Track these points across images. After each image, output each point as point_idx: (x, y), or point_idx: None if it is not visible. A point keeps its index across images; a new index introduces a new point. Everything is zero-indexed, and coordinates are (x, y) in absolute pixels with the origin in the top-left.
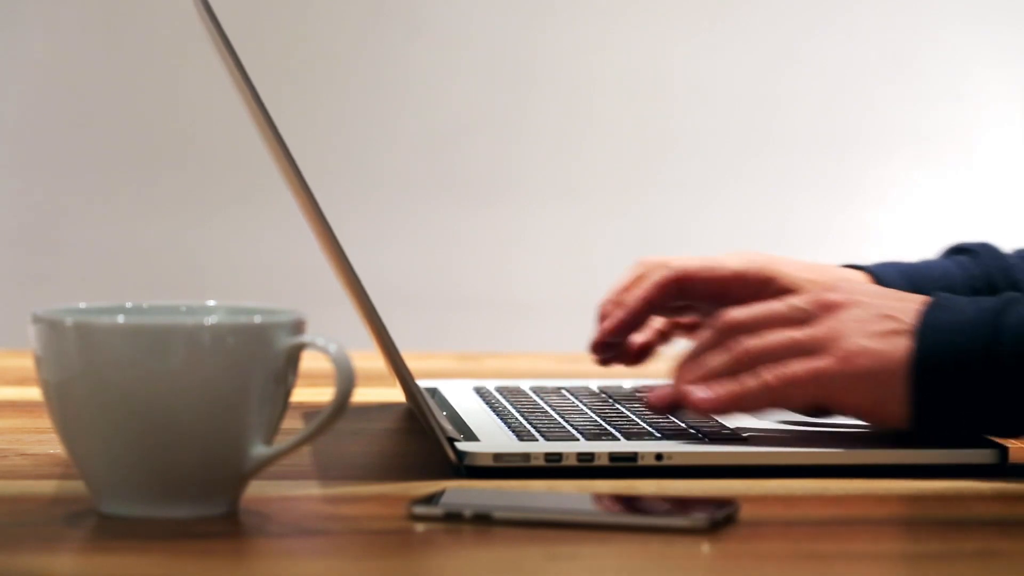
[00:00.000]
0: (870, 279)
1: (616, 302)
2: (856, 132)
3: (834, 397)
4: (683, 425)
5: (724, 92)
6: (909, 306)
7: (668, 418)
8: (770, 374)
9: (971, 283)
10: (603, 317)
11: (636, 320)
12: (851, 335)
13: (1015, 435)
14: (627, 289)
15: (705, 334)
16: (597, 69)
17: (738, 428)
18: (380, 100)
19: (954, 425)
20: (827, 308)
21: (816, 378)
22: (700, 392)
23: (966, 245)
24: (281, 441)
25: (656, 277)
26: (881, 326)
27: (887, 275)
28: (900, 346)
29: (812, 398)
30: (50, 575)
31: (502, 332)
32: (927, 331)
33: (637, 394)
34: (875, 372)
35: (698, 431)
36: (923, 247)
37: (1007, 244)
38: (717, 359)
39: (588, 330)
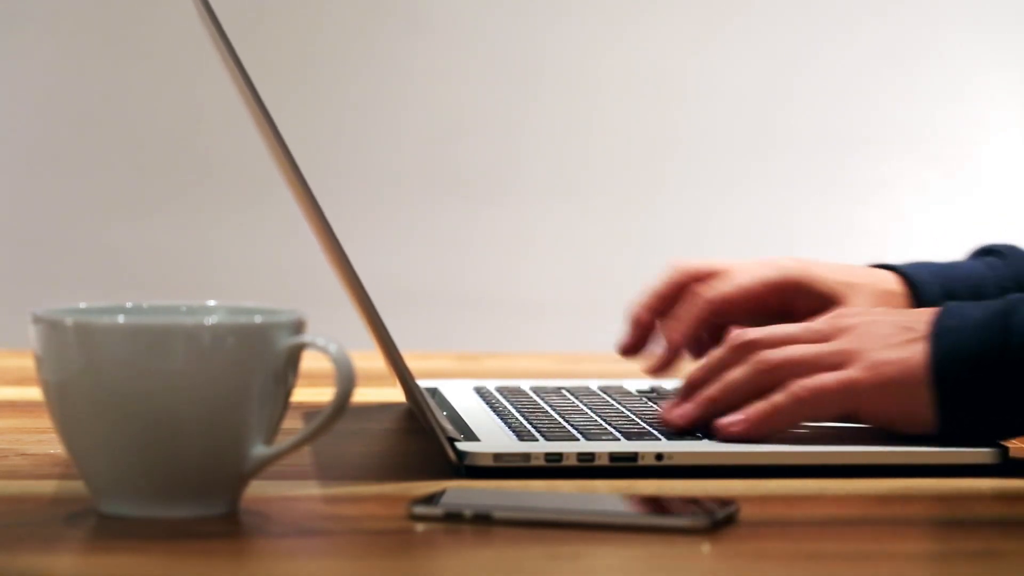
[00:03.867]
0: (901, 279)
1: (644, 322)
2: (861, 133)
3: (863, 408)
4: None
5: (729, 92)
6: (922, 316)
7: None
8: (799, 387)
9: (1001, 284)
10: (636, 324)
11: (677, 356)
12: (873, 347)
13: None
14: (660, 296)
15: (719, 352)
16: (602, 68)
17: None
18: (381, 98)
19: (978, 427)
20: (844, 329)
21: (847, 389)
22: (731, 419)
23: (994, 247)
24: (281, 441)
25: (694, 310)
26: (900, 336)
27: (919, 275)
28: (920, 351)
29: (842, 410)
30: (50, 575)
31: (503, 332)
32: (941, 334)
33: (643, 397)
34: (901, 379)
35: (698, 431)
36: (928, 247)
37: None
38: (738, 373)
39: (590, 330)
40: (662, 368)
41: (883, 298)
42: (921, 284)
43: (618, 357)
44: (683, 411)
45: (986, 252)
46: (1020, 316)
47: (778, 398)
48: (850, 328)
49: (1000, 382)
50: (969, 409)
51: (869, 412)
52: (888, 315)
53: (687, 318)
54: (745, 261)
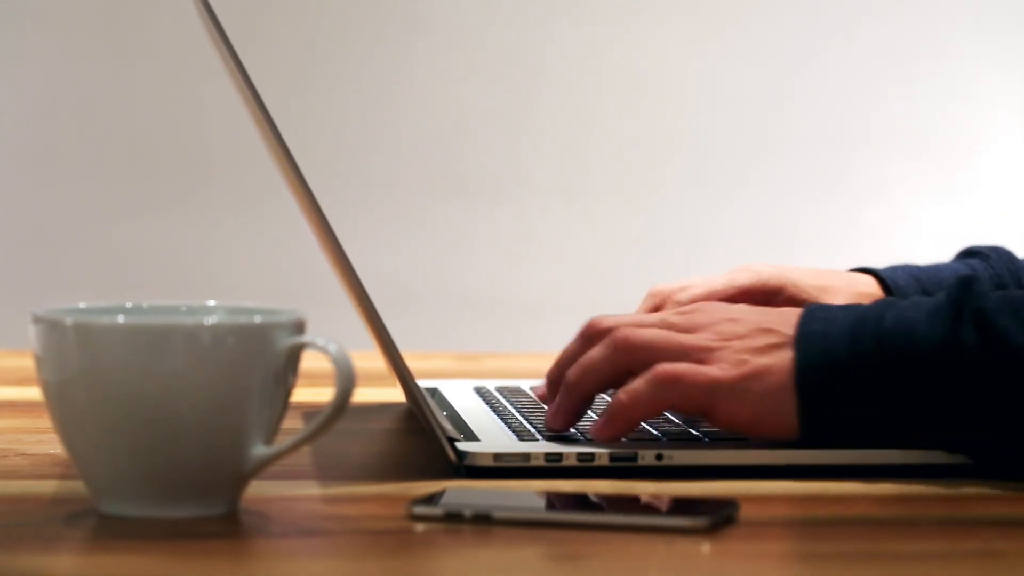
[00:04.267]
0: (880, 284)
1: None
2: (863, 134)
3: (721, 408)
4: (683, 424)
5: (731, 93)
6: (784, 318)
7: (669, 418)
8: (660, 370)
9: None
10: None
11: None
12: (734, 350)
13: (902, 444)
14: None
15: (575, 341)
16: (602, 69)
17: None
18: (381, 99)
19: (842, 433)
20: (699, 325)
21: (709, 384)
22: (596, 424)
23: (978, 248)
24: (281, 441)
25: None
26: (762, 339)
27: (898, 278)
28: (784, 358)
29: (700, 405)
30: (50, 575)
31: (503, 332)
32: (806, 339)
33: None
34: (763, 386)
35: (698, 431)
36: (930, 248)
37: (1014, 246)
38: (594, 351)
39: None
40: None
41: (862, 301)
42: (899, 288)
43: None
44: (552, 409)
45: (970, 254)
46: (891, 322)
47: (637, 384)
48: (707, 325)
49: (868, 390)
50: (834, 418)
51: (726, 413)
52: (749, 314)
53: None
54: (715, 277)
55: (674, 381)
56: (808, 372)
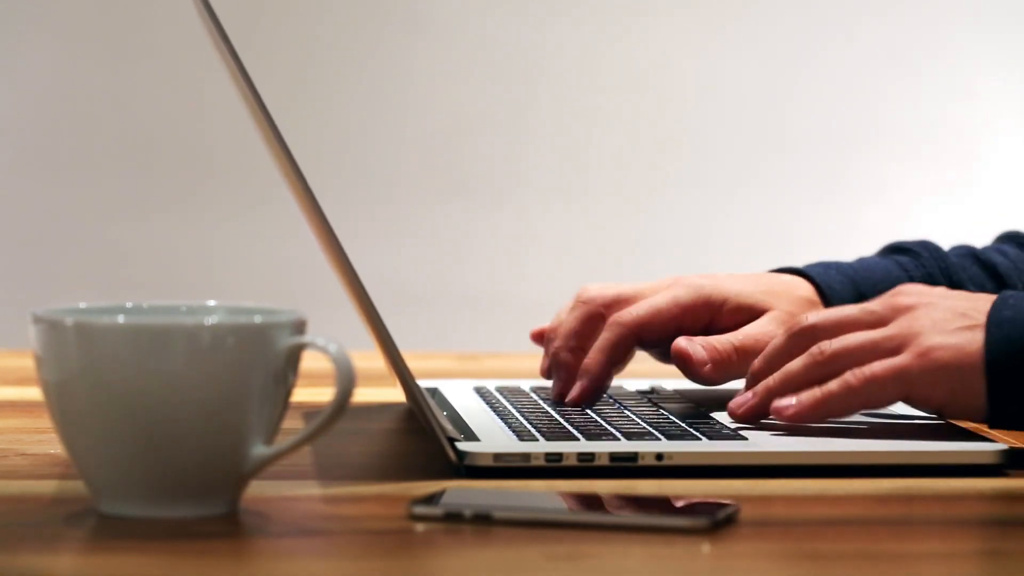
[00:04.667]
0: (810, 284)
1: (570, 363)
2: (864, 134)
3: (915, 393)
4: (684, 424)
5: (731, 93)
6: (979, 304)
7: (668, 417)
8: (852, 376)
9: None
10: (563, 367)
11: (603, 384)
12: (928, 332)
13: None
14: (576, 334)
15: (779, 340)
16: (603, 69)
17: (738, 427)
18: (381, 99)
19: None
20: (901, 310)
21: (897, 376)
22: (785, 402)
23: (905, 244)
24: (281, 441)
25: (612, 337)
26: (956, 323)
27: (829, 278)
28: (976, 339)
29: (894, 397)
30: (50, 575)
31: (503, 332)
32: (998, 323)
33: (643, 397)
34: (953, 366)
35: (699, 431)
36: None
37: (972, 244)
38: (797, 364)
39: None
40: (587, 399)
41: (804, 305)
42: (833, 291)
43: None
44: (744, 402)
45: (895, 250)
46: None
47: (831, 386)
48: (908, 308)
49: None
50: (1020, 399)
51: (920, 397)
52: (946, 299)
53: (606, 347)
54: (652, 283)
55: (863, 384)
56: (998, 354)
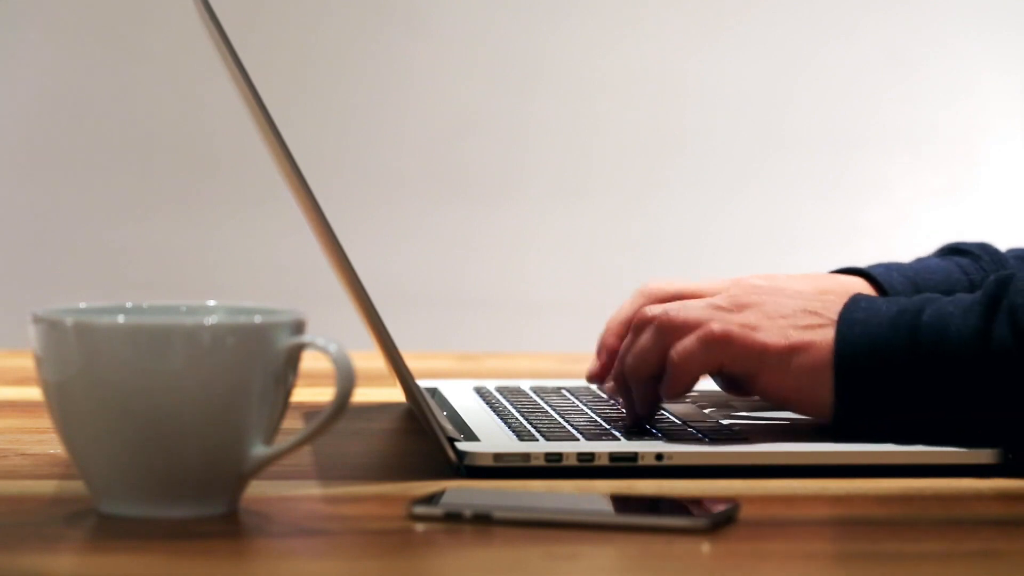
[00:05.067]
0: (870, 284)
1: (613, 347)
2: (863, 134)
3: (765, 375)
4: (683, 424)
5: (731, 93)
6: (828, 304)
7: (668, 417)
8: (708, 329)
9: (972, 287)
10: (607, 351)
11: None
12: (779, 326)
13: (933, 437)
14: (627, 322)
15: (628, 337)
16: (603, 70)
17: (738, 427)
18: (381, 99)
19: (874, 420)
20: (748, 305)
21: (754, 344)
22: (662, 387)
23: (963, 246)
24: (281, 441)
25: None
26: (806, 319)
27: (890, 278)
28: (827, 336)
29: (745, 368)
30: (50, 575)
31: (503, 332)
32: (848, 323)
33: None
34: (805, 360)
35: (699, 431)
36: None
37: (1010, 244)
38: (643, 337)
39: (591, 331)
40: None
41: None
42: (894, 291)
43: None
44: (625, 404)
45: (954, 251)
46: (929, 315)
47: (687, 341)
48: (754, 304)
49: (902, 378)
50: (867, 401)
51: (770, 382)
52: (793, 297)
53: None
54: (713, 283)
55: (725, 340)
56: (845, 354)
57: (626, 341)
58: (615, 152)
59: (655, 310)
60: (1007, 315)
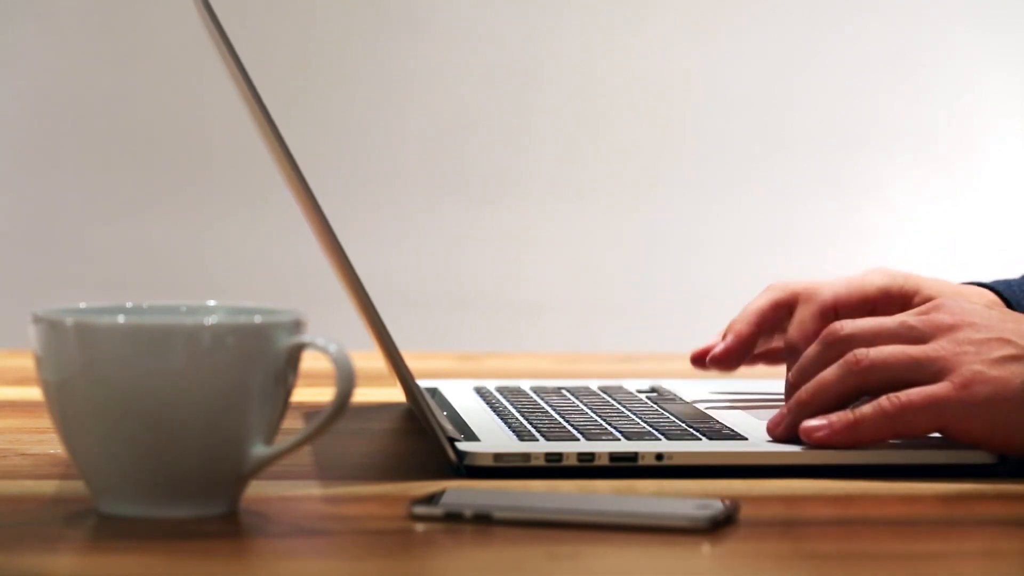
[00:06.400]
0: (1000, 299)
1: (742, 333)
2: (861, 134)
3: (953, 425)
4: (683, 424)
5: (731, 93)
6: (1021, 328)
7: (668, 417)
8: (887, 401)
9: None
10: (737, 336)
11: (795, 355)
12: (968, 360)
13: None
14: (761, 314)
15: (812, 350)
16: (602, 70)
17: (738, 427)
18: (382, 99)
19: None
20: (940, 328)
21: (935, 406)
22: (815, 423)
23: None
24: (281, 441)
25: (812, 309)
26: (999, 352)
27: (1012, 292)
28: (1019, 372)
29: (930, 427)
30: (50, 575)
31: (504, 332)
32: None
33: (643, 396)
34: (994, 400)
35: (699, 431)
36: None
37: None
38: (830, 373)
39: (591, 331)
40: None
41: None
42: (1019, 305)
43: (618, 357)
44: (780, 420)
45: None
46: None
47: (865, 410)
48: (949, 328)
49: None
50: None
51: (957, 430)
52: (988, 320)
53: (806, 319)
54: (839, 280)
55: (898, 411)
56: None
57: (812, 352)
58: (615, 152)
59: (848, 329)
60: None
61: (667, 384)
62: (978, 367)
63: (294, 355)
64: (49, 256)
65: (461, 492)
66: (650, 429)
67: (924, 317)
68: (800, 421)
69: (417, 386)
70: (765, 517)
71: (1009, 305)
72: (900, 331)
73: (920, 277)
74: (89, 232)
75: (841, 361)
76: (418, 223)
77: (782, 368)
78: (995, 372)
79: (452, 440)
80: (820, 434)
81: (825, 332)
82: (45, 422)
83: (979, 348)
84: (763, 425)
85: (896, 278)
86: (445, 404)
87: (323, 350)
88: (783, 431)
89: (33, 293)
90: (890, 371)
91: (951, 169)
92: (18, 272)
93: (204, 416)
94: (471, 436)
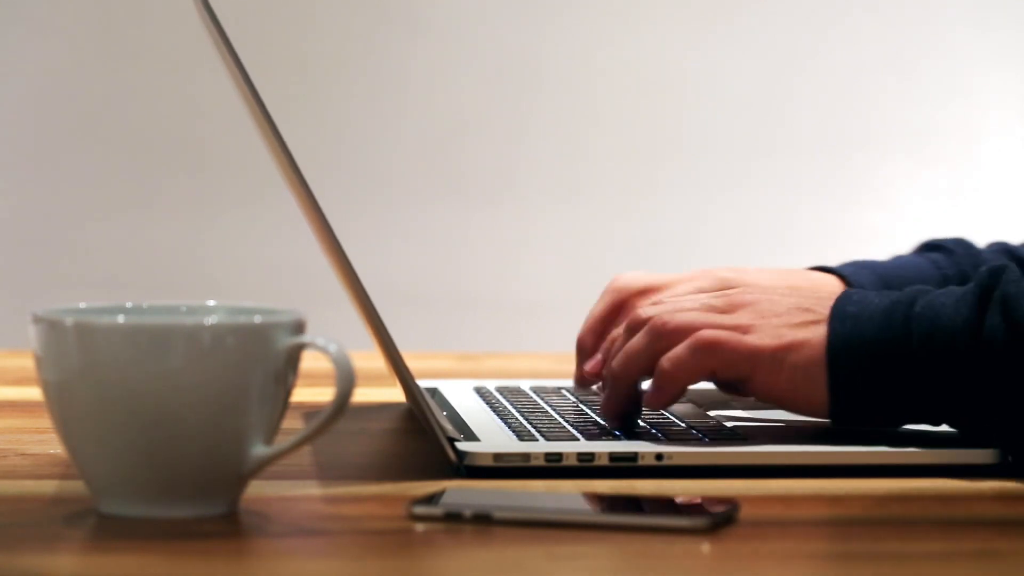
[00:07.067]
0: (842, 282)
1: (586, 348)
2: (860, 134)
3: (760, 376)
4: (683, 424)
5: (729, 93)
6: (822, 299)
7: (668, 417)
8: (699, 337)
9: (945, 282)
10: (582, 352)
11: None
12: (773, 325)
13: (933, 423)
14: (602, 320)
15: (620, 334)
16: (601, 70)
17: (738, 427)
18: (381, 99)
19: (871, 414)
20: (740, 304)
21: (748, 349)
22: (647, 396)
23: (940, 242)
24: (281, 441)
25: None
26: (799, 317)
27: (860, 277)
28: (820, 333)
29: (739, 371)
30: (50, 575)
31: (503, 332)
32: (840, 319)
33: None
34: (798, 356)
35: (699, 431)
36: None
37: (1008, 242)
38: (637, 340)
39: None
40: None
41: None
42: (863, 285)
43: None
44: (603, 402)
45: (931, 247)
46: (921, 307)
47: (679, 350)
48: (748, 304)
49: (896, 371)
50: (862, 396)
51: (764, 383)
52: (786, 295)
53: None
54: (681, 275)
55: (714, 346)
56: (839, 349)
57: (618, 340)
58: (614, 152)
59: (650, 311)
60: (999, 305)
61: None
62: (784, 329)
63: (294, 355)
64: (49, 256)
65: (461, 492)
66: (650, 429)
67: (723, 297)
68: (620, 395)
69: (417, 386)
70: (765, 517)
71: (850, 287)
72: (700, 309)
73: (750, 273)
74: (89, 232)
75: (646, 327)
76: (418, 223)
77: None
78: (801, 334)
79: (452, 440)
80: (648, 396)
81: (628, 318)
82: (45, 422)
83: (780, 316)
84: (763, 425)
85: (728, 283)
86: (445, 404)
87: (323, 350)
88: (613, 407)
89: (33, 293)
90: (696, 330)
91: (950, 169)
92: (17, 272)
93: (204, 416)
94: (471, 436)
